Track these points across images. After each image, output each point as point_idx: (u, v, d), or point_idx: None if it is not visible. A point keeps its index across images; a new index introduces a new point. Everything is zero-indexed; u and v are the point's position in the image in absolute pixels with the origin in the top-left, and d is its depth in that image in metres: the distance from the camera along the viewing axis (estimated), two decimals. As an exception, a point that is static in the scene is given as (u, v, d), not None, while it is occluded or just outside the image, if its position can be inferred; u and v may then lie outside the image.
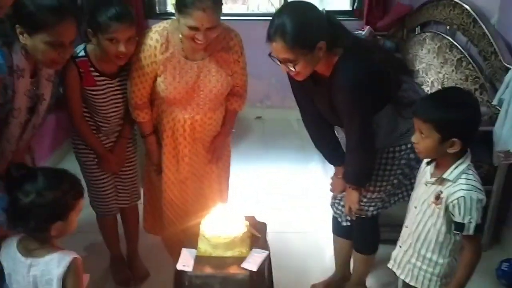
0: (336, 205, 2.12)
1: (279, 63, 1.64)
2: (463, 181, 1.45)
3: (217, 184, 2.19)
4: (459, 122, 1.43)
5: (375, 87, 1.65)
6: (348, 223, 2.08)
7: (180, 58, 1.90)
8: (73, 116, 2.00)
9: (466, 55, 2.82)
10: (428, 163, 1.58)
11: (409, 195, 1.80)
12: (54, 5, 1.52)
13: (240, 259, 1.70)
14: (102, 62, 1.94)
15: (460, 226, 1.45)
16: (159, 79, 1.92)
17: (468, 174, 1.47)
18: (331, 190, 2.10)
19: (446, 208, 1.48)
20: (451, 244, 1.54)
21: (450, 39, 3.05)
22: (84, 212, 1.52)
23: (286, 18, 1.55)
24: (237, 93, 2.10)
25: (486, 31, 2.62)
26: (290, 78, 1.80)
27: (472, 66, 2.74)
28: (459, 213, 1.44)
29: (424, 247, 1.57)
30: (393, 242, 1.74)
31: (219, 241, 1.71)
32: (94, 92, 1.96)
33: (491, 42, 2.55)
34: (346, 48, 1.66)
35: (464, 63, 2.82)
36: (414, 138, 1.51)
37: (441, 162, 1.52)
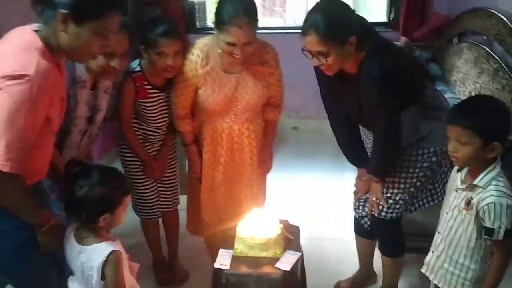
0: (360, 207, 2.17)
1: (311, 57, 1.71)
2: (493, 187, 1.48)
3: (250, 190, 2.27)
4: (500, 125, 1.46)
5: (400, 84, 1.71)
6: (365, 225, 2.14)
7: (219, 72, 2.02)
8: (122, 125, 2.15)
9: (503, 65, 2.81)
10: (458, 170, 1.61)
11: (433, 200, 1.84)
12: None
13: (274, 260, 1.78)
14: (153, 75, 2.09)
15: (490, 231, 1.48)
16: (200, 91, 2.05)
17: (498, 180, 1.49)
18: (354, 193, 2.17)
19: (477, 213, 1.51)
20: (482, 249, 1.56)
21: (487, 49, 3.05)
22: (127, 216, 1.64)
23: (319, 13, 1.65)
24: (274, 103, 2.20)
25: (522, 41, 2.62)
26: (319, 78, 1.88)
27: (509, 76, 2.72)
28: (489, 219, 1.47)
29: (456, 253, 1.60)
30: (424, 250, 1.77)
31: (255, 242, 1.80)
32: (147, 104, 2.11)
33: (528, 52, 2.55)
34: (373, 46, 1.73)
35: (500, 73, 2.81)
36: (451, 147, 1.52)
37: (472, 168, 1.55)
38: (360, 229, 2.25)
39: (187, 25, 4.24)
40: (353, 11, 1.73)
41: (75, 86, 1.76)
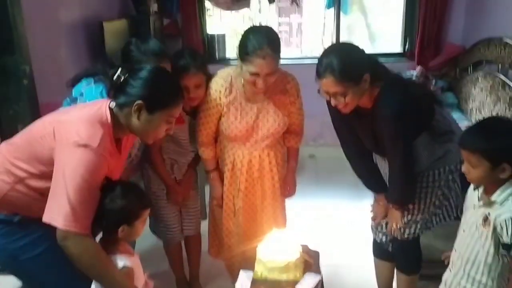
0: (379, 230, 2.19)
1: (328, 98, 1.78)
2: (510, 203, 1.51)
3: (272, 216, 2.31)
4: (507, 148, 1.49)
5: (415, 116, 1.78)
6: (390, 249, 2.15)
7: (242, 101, 2.10)
8: (153, 149, 2.23)
9: (519, 93, 2.85)
10: (475, 188, 1.65)
11: (449, 216, 1.86)
12: None
13: (294, 283, 1.79)
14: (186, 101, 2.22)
15: (508, 247, 1.50)
16: (222, 119, 2.13)
17: None
18: (372, 218, 2.20)
19: (494, 229, 1.53)
20: (499, 265, 1.58)
21: (502, 77, 3.09)
22: (149, 240, 1.69)
23: (333, 56, 1.72)
24: (294, 131, 2.27)
25: (537, 69, 2.66)
26: (332, 113, 1.97)
27: (525, 103, 2.76)
28: (507, 234, 1.49)
29: (474, 269, 1.62)
30: (437, 278, 1.80)
31: (275, 265, 1.82)
32: (181, 129, 2.21)
33: (543, 80, 2.59)
34: (386, 81, 1.80)
35: (517, 101, 2.85)
36: (464, 169, 1.58)
37: (488, 186, 1.58)
38: (379, 252, 2.27)
39: (207, 56, 4.38)
40: (363, 51, 1.80)
41: None
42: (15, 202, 1.56)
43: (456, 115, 3.49)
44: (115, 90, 1.61)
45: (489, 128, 1.58)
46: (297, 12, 6.09)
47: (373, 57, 1.84)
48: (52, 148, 1.48)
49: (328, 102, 1.85)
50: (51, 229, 1.45)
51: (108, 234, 1.59)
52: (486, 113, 3.22)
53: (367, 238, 2.80)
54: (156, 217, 2.35)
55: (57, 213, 1.42)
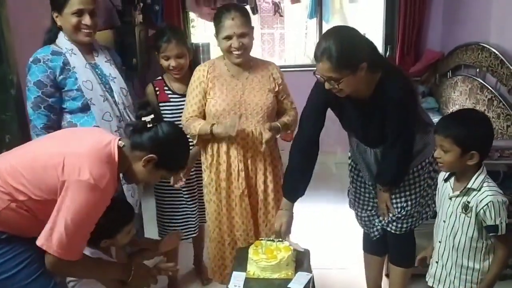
0: (368, 222, 2.24)
1: (323, 81, 1.79)
2: (486, 188, 1.62)
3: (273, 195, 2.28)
4: (477, 135, 1.61)
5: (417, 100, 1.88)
6: (378, 235, 2.20)
7: (226, 78, 2.20)
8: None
9: (497, 95, 2.95)
10: (445, 180, 1.75)
11: (434, 202, 1.93)
12: None
13: (286, 281, 1.83)
14: (172, 82, 2.43)
15: (494, 229, 1.60)
16: (209, 97, 2.17)
17: (488, 182, 1.64)
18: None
19: (476, 215, 1.62)
20: (483, 248, 1.67)
21: (481, 80, 3.20)
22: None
23: (332, 41, 1.70)
24: (288, 107, 2.29)
25: (513, 70, 2.77)
26: (316, 98, 1.98)
27: (503, 104, 2.85)
28: (491, 217, 1.59)
29: (460, 256, 1.70)
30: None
31: (267, 264, 1.86)
32: (168, 108, 2.40)
33: (519, 80, 2.69)
34: (386, 68, 1.85)
35: (495, 102, 2.94)
36: (436, 154, 1.68)
37: (461, 176, 1.69)
38: (370, 247, 2.33)
39: (193, 65, 4.40)
40: (364, 36, 1.82)
41: None
42: (7, 221, 1.54)
43: (436, 119, 3.57)
44: (135, 130, 1.64)
45: (463, 116, 1.72)
46: (279, 23, 6.19)
47: (372, 44, 1.85)
48: (60, 180, 1.49)
49: (318, 86, 1.88)
50: (38, 250, 1.50)
51: (91, 243, 1.65)
52: (466, 116, 3.32)
53: (356, 241, 2.87)
54: (161, 216, 2.57)
55: (53, 240, 1.46)
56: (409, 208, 2.06)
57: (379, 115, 1.87)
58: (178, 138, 1.69)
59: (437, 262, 1.79)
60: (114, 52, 2.28)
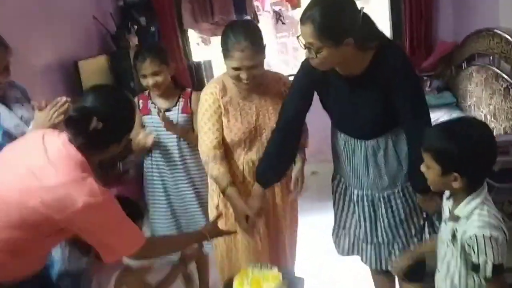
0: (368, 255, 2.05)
1: (303, 47, 1.67)
2: (475, 217, 1.32)
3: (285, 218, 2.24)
4: (458, 155, 1.29)
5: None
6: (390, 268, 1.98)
7: (239, 100, 2.02)
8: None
9: (512, 82, 2.69)
10: (448, 198, 1.47)
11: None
12: None
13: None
14: (157, 99, 2.41)
15: (476, 268, 1.31)
16: (223, 123, 2.01)
17: (482, 210, 1.33)
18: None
19: (463, 248, 1.34)
20: (476, 286, 1.37)
21: (495, 69, 2.94)
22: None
23: (320, 6, 1.60)
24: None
25: (527, 55, 2.51)
26: (309, 73, 1.82)
27: (520, 93, 2.60)
28: (474, 253, 1.30)
29: None
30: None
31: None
32: (150, 120, 2.40)
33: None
34: (384, 43, 1.70)
35: (511, 91, 2.68)
36: (422, 168, 1.43)
37: (457, 197, 1.40)
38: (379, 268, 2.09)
39: (196, 82, 4.33)
40: (358, 11, 1.64)
41: None
42: None
43: (455, 114, 3.33)
44: (67, 123, 1.50)
45: (452, 128, 1.38)
46: (283, 31, 6.04)
47: (369, 20, 1.69)
48: (57, 220, 1.37)
49: (303, 67, 1.82)
50: None
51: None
52: (484, 109, 3.05)
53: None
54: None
55: (118, 248, 1.49)
56: (416, 221, 1.92)
57: (377, 91, 1.72)
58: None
59: None
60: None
